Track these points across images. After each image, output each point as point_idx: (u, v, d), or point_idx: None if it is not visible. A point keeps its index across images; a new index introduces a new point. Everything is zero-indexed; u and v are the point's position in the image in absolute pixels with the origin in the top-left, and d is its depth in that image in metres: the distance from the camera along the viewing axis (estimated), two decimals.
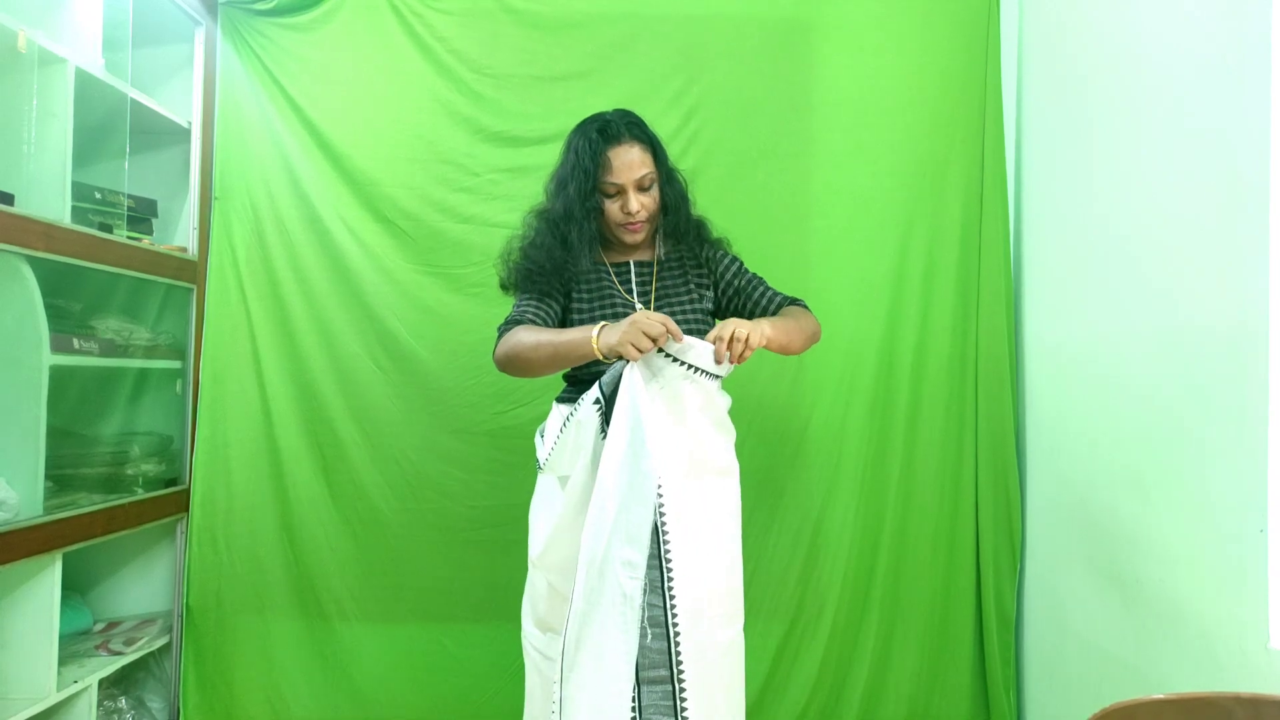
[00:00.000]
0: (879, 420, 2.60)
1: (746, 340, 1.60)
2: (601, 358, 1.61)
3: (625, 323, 1.56)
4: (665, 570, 1.56)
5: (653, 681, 1.54)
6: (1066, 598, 2.26)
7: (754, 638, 2.32)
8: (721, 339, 1.60)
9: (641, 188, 1.80)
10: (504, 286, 1.92)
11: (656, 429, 1.57)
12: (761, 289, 1.94)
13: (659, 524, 1.55)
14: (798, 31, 2.63)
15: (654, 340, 1.55)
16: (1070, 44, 2.31)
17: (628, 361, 1.58)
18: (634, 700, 1.53)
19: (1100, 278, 2.10)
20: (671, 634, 1.55)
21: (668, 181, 1.85)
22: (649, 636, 1.55)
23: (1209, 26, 1.71)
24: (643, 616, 1.54)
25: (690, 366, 1.63)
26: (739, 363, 1.63)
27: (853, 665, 2.56)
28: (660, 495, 1.55)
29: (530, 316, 1.79)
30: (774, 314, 1.89)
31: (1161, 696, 1.17)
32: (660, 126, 2.49)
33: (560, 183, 1.83)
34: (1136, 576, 1.91)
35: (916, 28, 2.62)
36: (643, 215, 1.81)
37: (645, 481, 1.55)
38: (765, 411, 2.57)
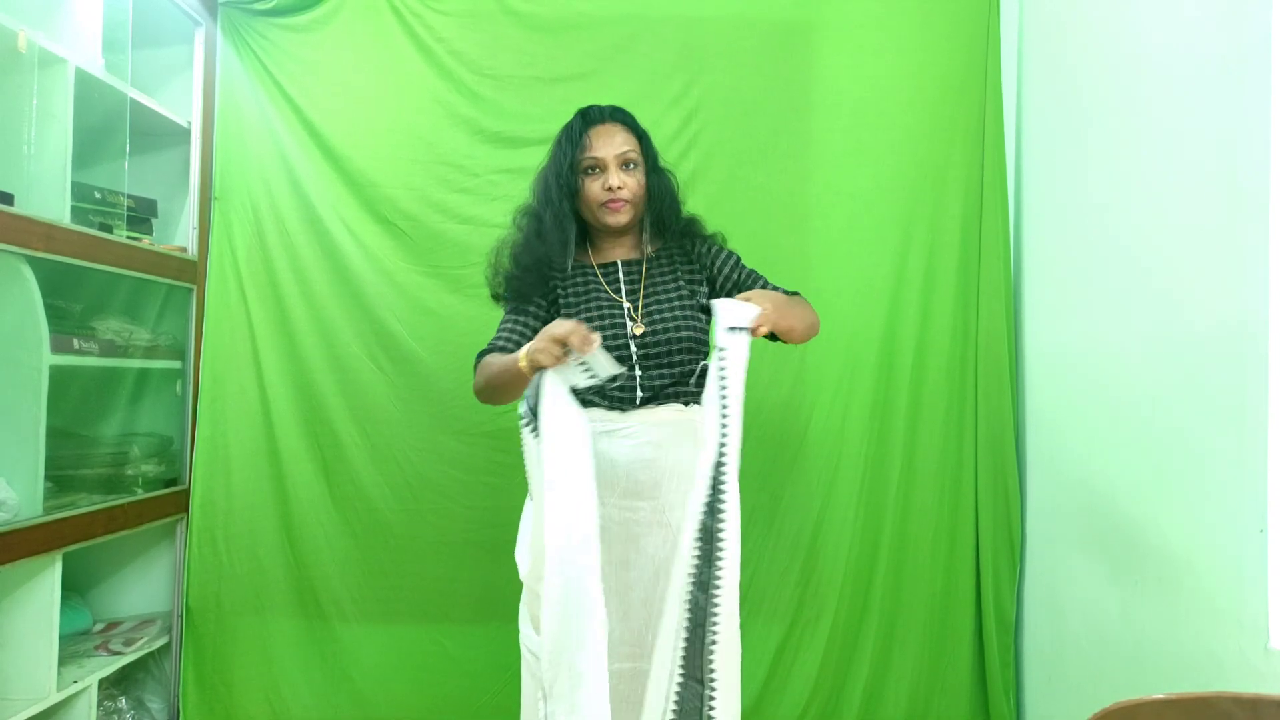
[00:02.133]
0: (879, 421, 2.59)
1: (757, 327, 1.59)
2: (530, 375, 1.59)
3: (540, 334, 1.56)
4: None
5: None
6: (1066, 599, 2.26)
7: (754, 638, 2.32)
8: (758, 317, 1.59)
9: (624, 164, 1.78)
10: (494, 297, 1.90)
11: (577, 439, 1.58)
12: (761, 283, 1.91)
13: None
14: (798, 33, 2.63)
15: (563, 343, 1.52)
16: (1070, 45, 2.31)
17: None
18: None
19: (1100, 278, 2.10)
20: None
21: (654, 171, 1.85)
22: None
23: (1209, 27, 1.71)
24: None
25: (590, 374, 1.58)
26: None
27: (852, 666, 2.56)
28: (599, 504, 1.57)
29: (502, 344, 1.76)
30: None
31: (1161, 697, 1.17)
32: (661, 128, 2.51)
33: (541, 174, 1.85)
34: (1136, 577, 1.91)
35: (916, 28, 2.63)
36: (625, 193, 1.77)
37: (583, 490, 1.56)
38: (765, 413, 2.57)
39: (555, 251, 1.79)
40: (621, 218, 1.81)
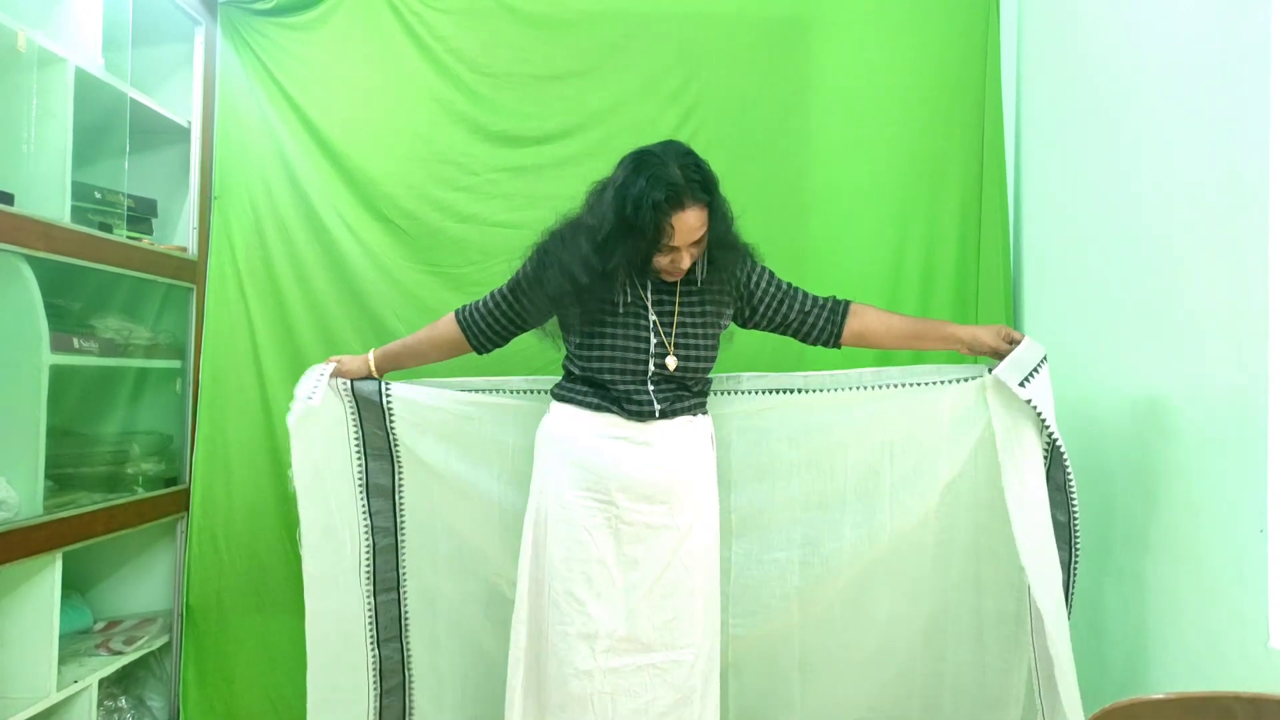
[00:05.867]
0: None
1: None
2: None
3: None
4: None
5: None
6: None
7: None
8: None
9: (694, 244, 1.75)
10: (524, 265, 1.92)
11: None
12: (802, 294, 1.94)
13: None
14: (795, 28, 2.62)
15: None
16: (1070, 37, 2.31)
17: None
18: None
19: (1100, 273, 2.10)
20: None
21: (719, 227, 1.77)
22: None
23: (1209, 19, 1.71)
24: None
25: None
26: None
27: None
28: None
29: (478, 314, 1.98)
30: (831, 317, 1.94)
31: (1162, 696, 1.17)
32: (659, 124, 2.52)
33: (612, 234, 1.70)
34: (1136, 576, 1.90)
35: (913, 22, 2.62)
36: (689, 265, 1.79)
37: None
38: None
39: (592, 302, 1.81)
40: (679, 277, 1.83)
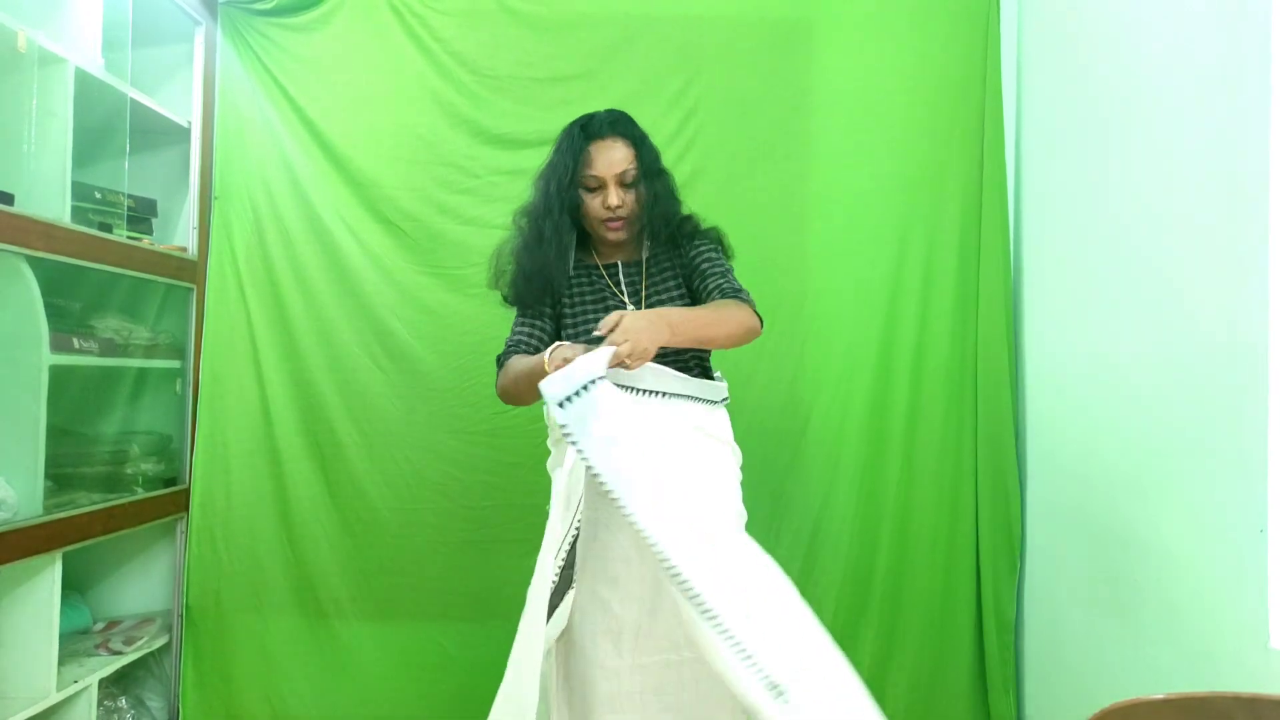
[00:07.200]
0: (878, 421, 2.59)
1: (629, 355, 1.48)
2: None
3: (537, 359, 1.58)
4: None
5: None
6: (1065, 599, 2.26)
7: None
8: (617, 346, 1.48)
9: (623, 183, 1.77)
10: (504, 299, 1.89)
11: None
12: (714, 279, 1.79)
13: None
14: (796, 32, 2.63)
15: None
16: (1071, 43, 2.31)
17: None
18: None
19: (1100, 276, 2.10)
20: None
21: (653, 178, 1.81)
22: None
23: (1210, 25, 1.71)
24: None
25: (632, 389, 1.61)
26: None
27: (852, 666, 2.55)
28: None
29: (524, 346, 1.77)
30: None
31: (1160, 696, 1.17)
32: (660, 127, 2.51)
33: (543, 179, 1.82)
34: (1135, 577, 1.91)
35: (915, 27, 2.63)
36: (623, 211, 1.78)
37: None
38: (764, 412, 2.57)
39: (554, 261, 1.79)
40: (621, 235, 1.82)
